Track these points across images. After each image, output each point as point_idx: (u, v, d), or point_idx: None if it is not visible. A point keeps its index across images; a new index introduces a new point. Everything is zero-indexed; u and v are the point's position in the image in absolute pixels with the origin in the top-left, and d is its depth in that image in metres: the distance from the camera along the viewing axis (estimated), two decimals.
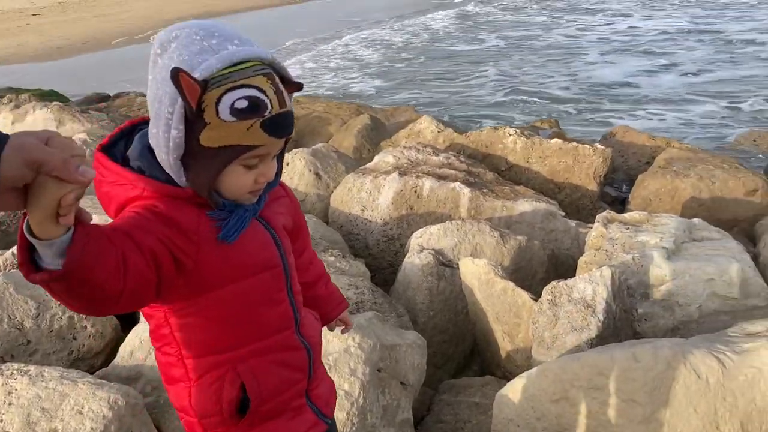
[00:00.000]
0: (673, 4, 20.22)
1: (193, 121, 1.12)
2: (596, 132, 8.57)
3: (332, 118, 8.84)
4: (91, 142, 6.24)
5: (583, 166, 6.03)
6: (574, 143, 6.12)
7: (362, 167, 5.61)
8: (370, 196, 5.17)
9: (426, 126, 6.96)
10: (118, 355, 2.89)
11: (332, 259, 3.73)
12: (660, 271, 3.42)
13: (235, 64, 1.12)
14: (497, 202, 5.00)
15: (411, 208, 5.03)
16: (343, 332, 1.76)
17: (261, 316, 1.29)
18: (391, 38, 19.23)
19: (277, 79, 1.17)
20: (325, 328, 1.60)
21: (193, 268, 1.18)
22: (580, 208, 5.87)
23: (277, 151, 1.21)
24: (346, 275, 3.56)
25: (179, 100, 1.10)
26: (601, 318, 2.91)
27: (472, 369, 3.82)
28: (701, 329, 2.88)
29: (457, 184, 5.04)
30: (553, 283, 3.09)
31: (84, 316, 3.12)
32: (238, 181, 1.19)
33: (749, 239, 4.44)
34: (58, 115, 7.43)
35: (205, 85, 1.10)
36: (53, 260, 0.98)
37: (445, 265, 3.83)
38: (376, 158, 5.71)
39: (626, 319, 3.16)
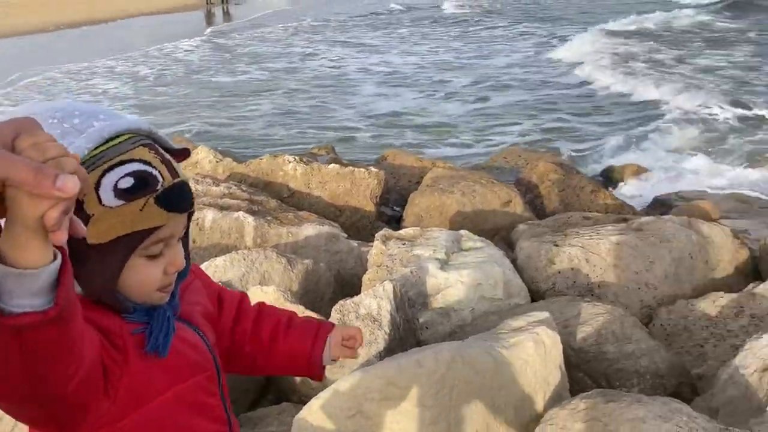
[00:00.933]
0: (436, 39, 21.88)
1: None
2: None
3: None
4: None
5: (360, 188, 6.32)
6: (351, 168, 6.40)
7: None
8: None
9: (204, 156, 6.82)
10: None
11: None
12: (435, 280, 3.70)
13: (108, 141, 0.97)
14: (282, 228, 5.05)
15: (194, 242, 4.87)
16: (353, 355, 1.46)
17: (197, 425, 1.12)
18: (137, 70, 18.40)
19: (161, 149, 1.03)
20: None
21: (120, 377, 0.98)
22: (360, 228, 6.13)
23: (182, 231, 1.05)
24: None
25: None
26: (387, 330, 3.07)
27: (267, 399, 3.78)
28: (475, 330, 3.16)
29: (241, 214, 5.01)
30: (341, 301, 3.20)
31: None
32: (145, 278, 1.01)
33: (508, 245, 4.95)
34: None
35: None
36: (28, 300, 0.73)
37: None
38: None
39: (409, 329, 3.35)
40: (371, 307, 3.16)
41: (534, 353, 2.46)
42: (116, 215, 0.95)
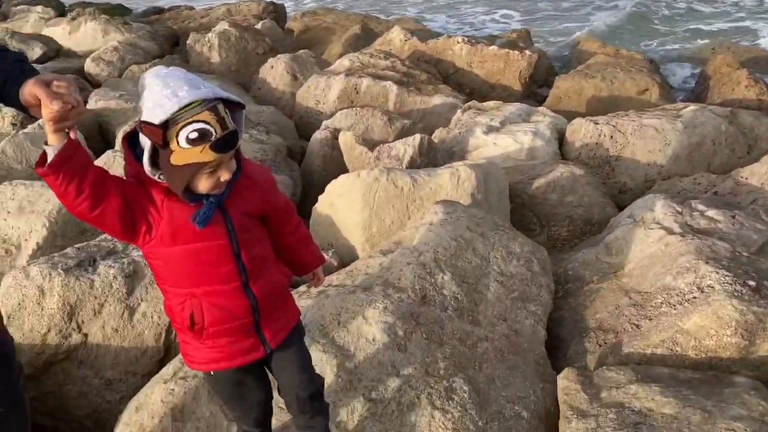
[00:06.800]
0: None
1: (165, 148, 1.51)
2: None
3: (338, 28, 10.08)
4: (121, 49, 7.85)
5: (512, 69, 7.15)
6: (507, 50, 7.21)
7: (325, 69, 6.96)
8: (323, 92, 6.54)
9: (396, 35, 8.16)
10: None
11: (255, 132, 5.19)
12: (475, 140, 4.72)
13: (186, 106, 1.49)
14: (418, 97, 6.29)
15: (352, 102, 6.36)
16: (309, 286, 2.26)
17: (206, 271, 1.70)
18: None
19: (220, 108, 1.53)
20: None
21: (157, 227, 1.63)
22: None
23: (228, 159, 1.58)
24: (259, 143, 5.02)
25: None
26: (404, 167, 4.28)
27: None
28: None
29: (388, 83, 6.33)
30: (380, 145, 4.46)
31: None
32: (205, 184, 1.58)
33: None
34: (105, 27, 8.96)
35: (165, 124, 1.48)
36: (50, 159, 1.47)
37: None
38: (337, 62, 7.03)
39: (433, 167, 4.49)
40: (399, 150, 4.37)
41: (447, 181, 3.52)
42: (187, 153, 1.51)
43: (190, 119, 1.49)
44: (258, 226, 1.78)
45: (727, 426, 2.01)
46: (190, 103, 1.50)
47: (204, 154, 1.51)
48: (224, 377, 1.89)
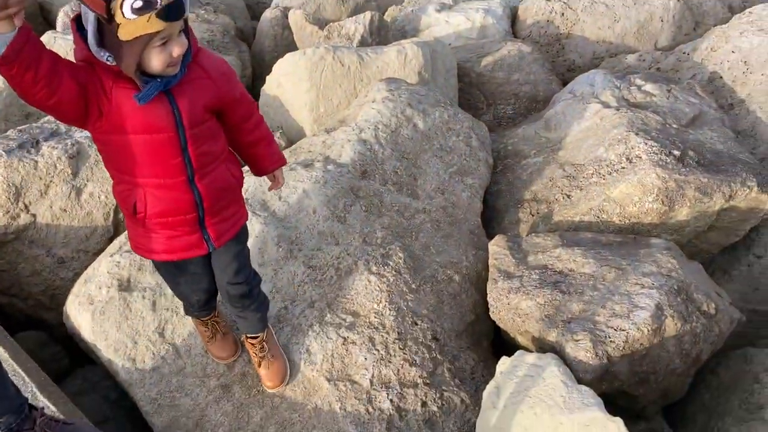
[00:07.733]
0: None
1: (110, 24, 1.43)
2: None
3: None
4: None
5: None
6: None
7: None
8: None
9: None
10: None
11: (202, 11, 5.04)
12: (428, 19, 4.65)
13: None
14: None
15: None
16: (270, 189, 2.10)
17: (151, 163, 1.67)
18: None
19: None
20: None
21: (107, 114, 1.57)
22: None
23: (178, 30, 1.52)
24: (207, 23, 4.89)
25: (92, 13, 1.44)
26: (354, 45, 4.23)
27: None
28: None
29: None
30: (330, 24, 4.38)
31: None
32: (157, 60, 1.52)
33: None
34: None
35: None
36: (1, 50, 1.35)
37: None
38: None
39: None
40: (350, 28, 4.31)
41: (395, 60, 3.52)
42: (133, 24, 1.44)
43: None
44: (211, 121, 1.74)
45: (637, 280, 2.19)
46: None
47: (151, 23, 1.44)
48: (166, 264, 1.92)
